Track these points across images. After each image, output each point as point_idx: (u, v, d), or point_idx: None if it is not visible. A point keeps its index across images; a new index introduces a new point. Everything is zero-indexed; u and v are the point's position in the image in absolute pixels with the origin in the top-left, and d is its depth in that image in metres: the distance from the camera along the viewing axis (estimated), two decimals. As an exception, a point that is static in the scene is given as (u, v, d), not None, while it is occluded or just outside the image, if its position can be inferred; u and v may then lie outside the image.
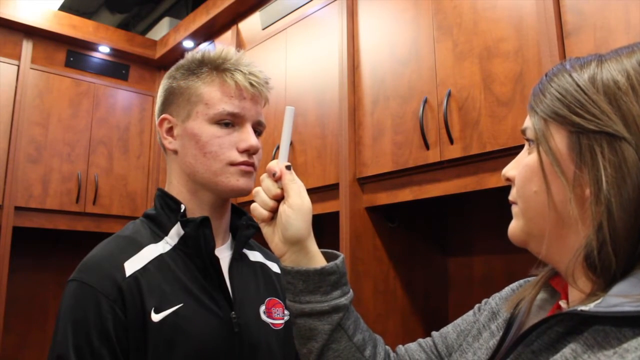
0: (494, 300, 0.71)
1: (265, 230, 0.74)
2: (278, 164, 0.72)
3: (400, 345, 0.79)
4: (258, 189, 0.74)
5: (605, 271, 0.47)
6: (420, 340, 0.78)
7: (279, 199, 0.72)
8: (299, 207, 0.70)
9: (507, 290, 0.70)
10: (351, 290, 0.73)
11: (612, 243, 0.46)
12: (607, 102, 0.49)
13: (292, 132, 0.74)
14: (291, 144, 2.00)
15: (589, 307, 0.45)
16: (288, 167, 0.72)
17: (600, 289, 0.48)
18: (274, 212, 0.72)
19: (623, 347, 0.42)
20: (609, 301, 0.44)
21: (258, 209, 0.73)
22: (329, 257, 0.73)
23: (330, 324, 0.70)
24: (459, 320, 0.74)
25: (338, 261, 0.72)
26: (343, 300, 0.70)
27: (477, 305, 0.74)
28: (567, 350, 0.47)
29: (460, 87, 1.44)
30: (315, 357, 0.71)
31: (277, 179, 0.72)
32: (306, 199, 0.71)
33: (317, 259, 0.71)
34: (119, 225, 2.80)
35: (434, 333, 0.77)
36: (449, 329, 0.75)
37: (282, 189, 0.71)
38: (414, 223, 1.82)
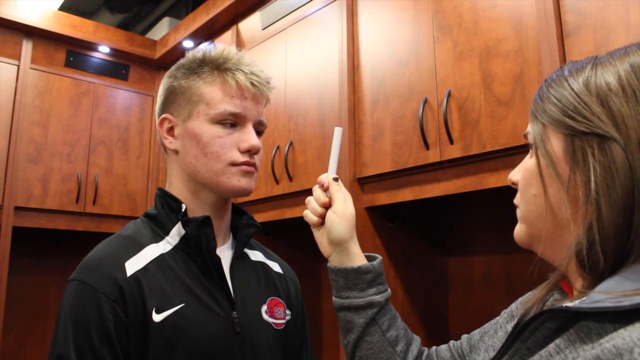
0: (514, 304, 0.72)
1: (316, 234, 0.84)
2: (327, 176, 0.83)
3: (434, 346, 0.83)
4: (309, 197, 0.84)
5: (594, 269, 0.48)
6: (452, 341, 0.82)
7: (327, 206, 0.82)
8: (342, 213, 0.80)
9: (529, 293, 0.72)
10: (389, 290, 0.81)
11: (601, 242, 0.47)
12: (599, 103, 0.50)
13: (339, 149, 0.85)
14: (291, 144, 2.01)
15: (574, 303, 0.47)
16: (335, 179, 0.82)
17: (589, 286, 0.49)
18: (323, 217, 0.82)
19: (600, 341, 0.43)
20: (593, 297, 0.45)
21: (309, 215, 0.84)
22: (370, 259, 0.82)
23: (365, 318, 0.78)
24: (486, 324, 0.78)
25: (375, 262, 0.81)
26: (378, 298, 0.79)
27: (504, 310, 0.76)
28: (551, 346, 0.48)
29: (460, 87, 1.44)
30: (352, 348, 0.80)
31: (325, 188, 0.82)
32: (350, 206, 0.81)
33: (357, 259, 0.81)
34: (119, 225, 2.80)
35: (463, 335, 0.81)
36: (476, 331, 0.79)
37: (330, 197, 0.82)
38: (414, 223, 1.82)
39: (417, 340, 0.83)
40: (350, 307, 0.79)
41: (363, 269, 0.79)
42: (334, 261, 0.82)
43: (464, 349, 0.78)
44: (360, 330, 0.79)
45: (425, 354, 0.82)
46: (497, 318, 0.75)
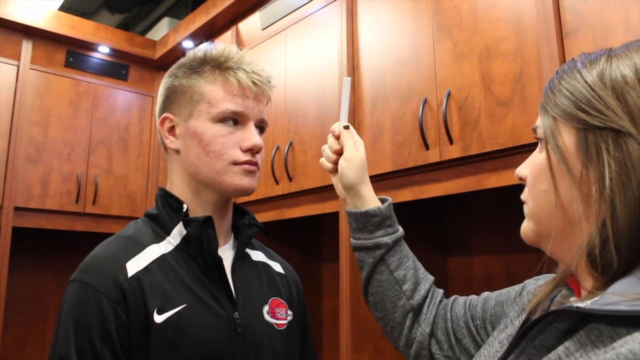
0: (527, 296, 0.70)
1: (333, 179, 0.92)
2: (339, 125, 0.89)
3: (456, 296, 0.87)
4: (324, 146, 0.91)
5: (607, 269, 0.46)
6: (472, 295, 0.84)
7: (340, 153, 0.88)
8: (351, 159, 0.86)
9: (539, 285, 0.70)
10: (399, 231, 0.87)
11: (614, 241, 0.45)
12: (614, 97, 0.48)
13: (349, 98, 0.91)
14: (291, 144, 2.01)
15: (585, 304, 0.45)
16: (346, 127, 0.88)
17: (601, 286, 0.47)
18: (337, 164, 0.88)
19: (613, 345, 0.41)
20: (606, 299, 0.44)
21: (324, 162, 0.91)
22: (383, 202, 0.88)
23: (373, 258, 0.85)
24: (504, 290, 0.78)
25: (382, 206, 0.87)
26: (385, 239, 0.85)
27: (524, 283, 0.75)
28: (561, 348, 0.46)
29: (459, 87, 1.44)
30: (364, 285, 0.88)
31: (336, 136, 0.89)
32: (359, 152, 0.87)
33: (369, 202, 0.87)
34: (118, 225, 2.80)
35: (484, 293, 0.83)
36: (493, 294, 0.80)
37: (341, 145, 0.87)
38: (414, 223, 1.82)
39: (429, 280, 0.87)
40: (361, 247, 0.86)
41: (370, 212, 0.85)
42: (349, 204, 0.88)
43: (477, 312, 0.79)
44: (370, 269, 0.86)
45: (439, 298, 0.86)
46: (514, 297, 0.73)
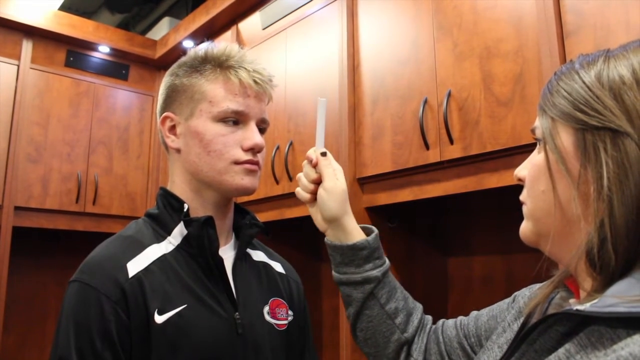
0: (523, 300, 0.70)
1: (310, 210, 0.84)
2: (315, 152, 0.81)
3: (443, 319, 0.84)
4: (300, 174, 0.84)
5: (605, 269, 0.46)
6: (461, 317, 0.82)
7: (318, 182, 0.81)
8: (332, 189, 0.79)
9: (536, 289, 0.70)
10: (386, 262, 0.81)
11: (612, 240, 0.46)
12: (612, 97, 0.49)
13: (325, 121, 0.82)
14: (291, 144, 2.01)
15: (585, 306, 0.45)
16: (323, 154, 0.80)
17: (599, 287, 0.47)
18: (315, 194, 0.81)
19: (613, 347, 0.41)
20: (605, 301, 0.44)
21: (301, 193, 0.84)
22: (366, 231, 0.82)
23: (362, 293, 0.79)
24: (494, 305, 0.77)
25: (370, 238, 0.80)
26: (374, 273, 0.79)
27: (514, 295, 0.74)
28: (561, 351, 0.47)
29: (460, 87, 1.44)
30: (352, 321, 0.82)
31: (314, 164, 0.81)
32: (340, 182, 0.80)
33: (354, 235, 0.80)
34: (118, 225, 2.80)
35: (472, 312, 0.81)
36: (484, 311, 0.78)
37: (319, 173, 0.80)
38: (414, 223, 1.82)
39: (418, 309, 0.84)
40: (348, 282, 0.81)
41: (358, 245, 0.79)
42: (330, 237, 0.82)
43: (470, 329, 0.77)
44: (360, 305, 0.80)
45: (429, 325, 0.83)
46: (506, 307, 0.73)
